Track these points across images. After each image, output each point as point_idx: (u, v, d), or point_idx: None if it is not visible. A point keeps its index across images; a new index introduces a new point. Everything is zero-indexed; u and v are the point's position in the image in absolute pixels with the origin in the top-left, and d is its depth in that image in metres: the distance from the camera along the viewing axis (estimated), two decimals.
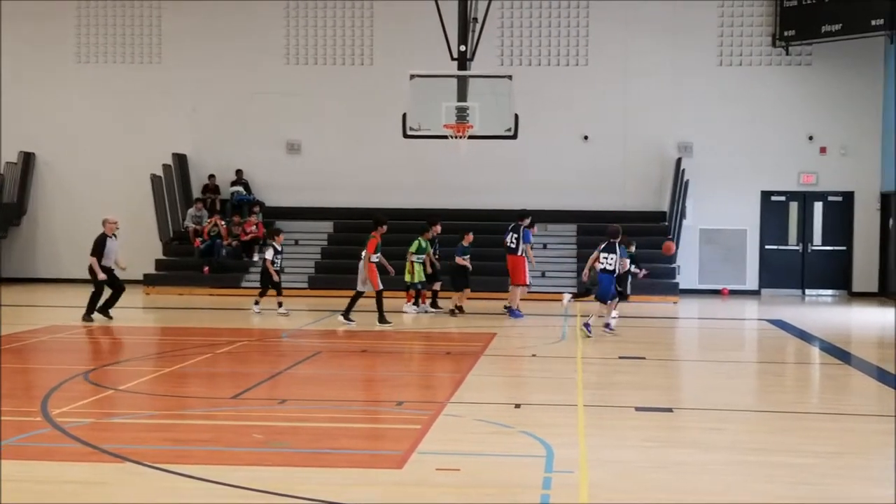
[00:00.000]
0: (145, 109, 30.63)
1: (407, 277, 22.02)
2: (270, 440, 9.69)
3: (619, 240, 18.67)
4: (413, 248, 21.97)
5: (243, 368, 14.77)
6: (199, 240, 28.62)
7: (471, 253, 22.02)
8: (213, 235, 28.45)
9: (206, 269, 27.99)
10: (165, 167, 29.60)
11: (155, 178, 29.12)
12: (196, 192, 30.45)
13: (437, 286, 22.89)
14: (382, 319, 19.81)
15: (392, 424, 10.73)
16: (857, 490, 8.25)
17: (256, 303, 22.19)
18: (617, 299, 19.20)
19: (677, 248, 27.15)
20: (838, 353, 17.03)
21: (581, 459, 8.98)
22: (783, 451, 9.56)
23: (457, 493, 7.98)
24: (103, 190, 30.27)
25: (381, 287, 19.92)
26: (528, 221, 22.23)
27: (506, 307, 21.99)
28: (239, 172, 30.20)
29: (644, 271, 21.32)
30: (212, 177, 30.34)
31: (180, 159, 30.25)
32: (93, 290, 20.46)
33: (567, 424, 10.55)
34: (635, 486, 8.22)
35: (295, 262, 28.35)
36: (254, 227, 28.73)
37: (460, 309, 21.84)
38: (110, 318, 20.45)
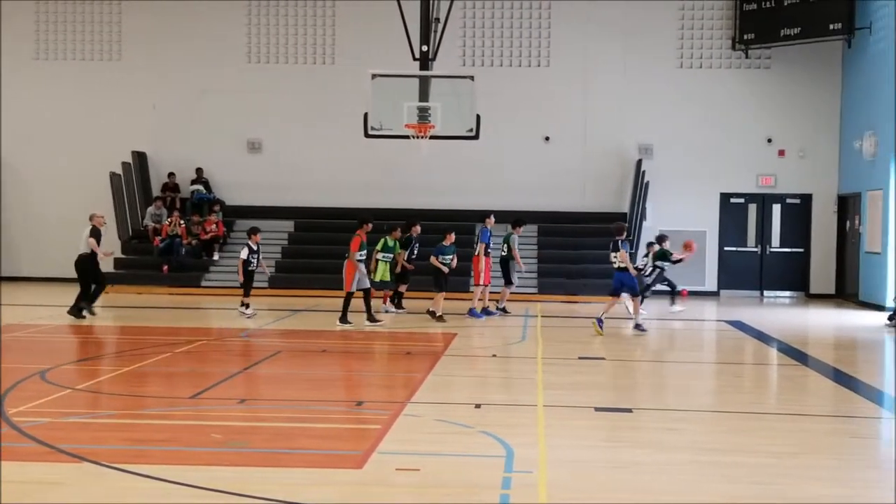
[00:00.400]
0: (105, 107, 30.40)
1: (372, 276, 21.88)
2: (229, 440, 9.65)
3: (623, 237, 19.01)
4: (379, 245, 21.89)
5: (202, 368, 14.70)
6: (158, 238, 28.44)
7: (453, 253, 21.31)
8: (172, 234, 28.27)
9: (166, 268, 27.83)
10: (125, 165, 29.39)
11: (114, 177, 28.91)
12: (156, 191, 30.27)
13: (402, 287, 22.83)
14: (343, 319, 19.70)
15: (352, 424, 10.72)
16: (812, 490, 8.32)
17: (245, 305, 21.41)
18: (640, 297, 19.81)
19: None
20: (795, 354, 17.17)
21: (540, 459, 9.01)
22: (740, 451, 9.63)
23: (416, 493, 7.98)
24: (62, 188, 30.06)
25: (352, 289, 19.65)
26: (491, 221, 22.34)
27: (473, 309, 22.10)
28: (199, 171, 30.05)
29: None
30: (171, 175, 30.17)
31: (140, 157, 30.05)
32: (83, 285, 21.04)
33: (527, 424, 10.58)
34: (594, 486, 8.25)
35: None
36: (214, 226, 28.60)
37: (433, 313, 20.82)
38: (93, 313, 20.97)
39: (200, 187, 29.89)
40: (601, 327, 18.71)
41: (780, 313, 24.27)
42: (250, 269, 21.41)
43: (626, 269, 19.04)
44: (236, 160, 30.37)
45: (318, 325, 20.44)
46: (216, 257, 28.42)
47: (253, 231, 21.90)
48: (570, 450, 9.47)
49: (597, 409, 11.46)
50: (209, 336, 18.43)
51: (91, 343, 17.56)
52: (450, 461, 9.04)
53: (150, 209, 29.37)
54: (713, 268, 29.51)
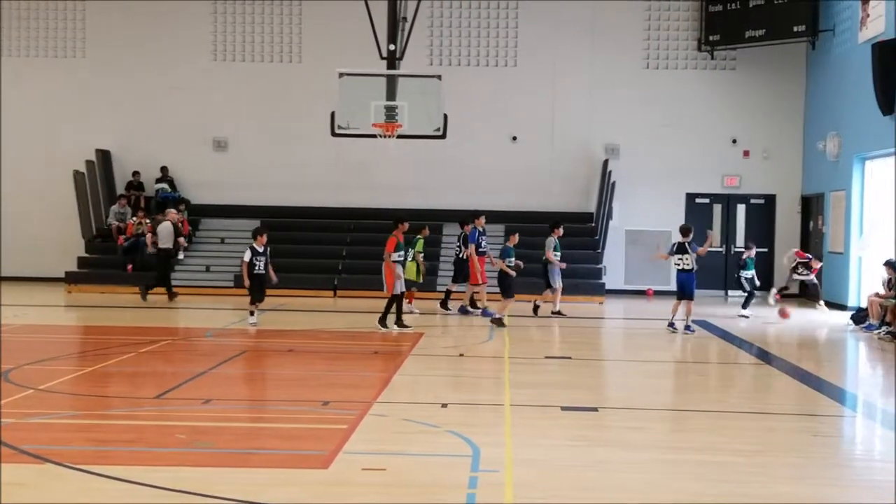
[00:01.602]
0: (69, 105, 30.18)
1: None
2: (194, 440, 9.60)
3: (689, 238, 19.08)
4: (418, 246, 21.92)
5: (167, 368, 14.62)
6: (122, 238, 28.23)
7: (514, 255, 21.06)
8: (137, 233, 28.06)
9: (130, 267, 27.63)
10: (89, 163, 29.17)
11: (78, 175, 28.70)
12: (120, 189, 30.07)
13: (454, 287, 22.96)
14: (383, 322, 18.95)
15: (318, 424, 10.68)
16: (776, 488, 8.37)
17: (251, 313, 19.91)
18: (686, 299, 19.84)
19: (603, 248, 27.42)
20: (760, 353, 17.28)
21: (507, 458, 9.02)
22: (705, 450, 9.68)
23: (383, 493, 7.97)
24: (25, 186, 29.79)
25: (396, 291, 18.81)
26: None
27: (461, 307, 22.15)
28: (164, 169, 29.88)
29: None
30: (136, 173, 29.99)
31: (104, 155, 29.84)
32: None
33: (493, 424, 10.59)
34: (560, 485, 8.27)
35: (221, 260, 28.17)
36: (179, 225, 28.38)
37: (499, 320, 20.12)
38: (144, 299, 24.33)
39: (165, 186, 29.72)
40: (674, 328, 19.52)
41: (745, 313, 24.43)
42: (256, 272, 19.77)
43: (690, 271, 19.16)
44: (202, 158, 30.23)
45: (285, 324, 20.37)
46: (181, 256, 28.23)
47: (258, 232, 20.07)
48: (536, 449, 9.49)
49: (563, 409, 11.48)
50: (174, 336, 18.34)
51: (54, 343, 17.41)
52: (416, 461, 9.03)
53: (115, 208, 29.16)
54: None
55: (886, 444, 10.54)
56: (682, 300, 19.75)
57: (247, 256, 19.59)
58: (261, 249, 19.78)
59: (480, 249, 21.91)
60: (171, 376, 13.59)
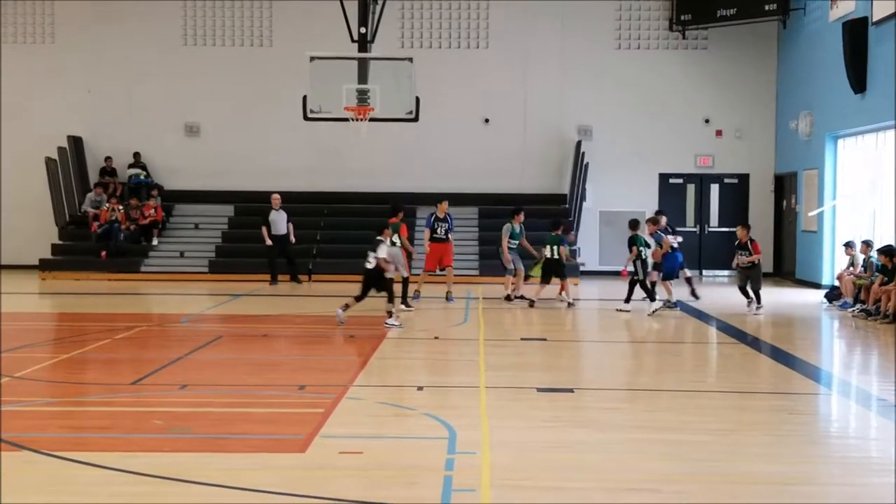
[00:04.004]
0: (39, 91, 29.90)
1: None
2: (171, 426, 9.60)
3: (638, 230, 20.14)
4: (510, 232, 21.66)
5: (143, 354, 14.58)
6: (96, 224, 28.07)
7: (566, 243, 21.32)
8: (111, 220, 27.92)
9: (104, 253, 27.50)
10: (61, 150, 28.96)
11: (50, 162, 28.49)
12: (93, 175, 29.88)
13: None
14: (404, 301, 19.59)
15: (294, 409, 10.70)
16: (749, 466, 8.44)
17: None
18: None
19: (577, 230, 27.49)
20: (734, 332, 17.38)
21: (483, 441, 9.06)
22: (680, 430, 9.75)
23: (360, 476, 8.00)
24: None
25: (407, 274, 19.87)
26: (444, 206, 21.75)
27: None
28: (136, 155, 29.72)
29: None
30: (108, 159, 29.79)
31: (76, 142, 29.64)
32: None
33: (469, 406, 10.63)
34: (537, 466, 8.32)
35: (195, 246, 28.09)
36: (152, 211, 28.32)
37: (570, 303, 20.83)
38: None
39: (139, 171, 29.56)
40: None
41: (719, 292, 24.52)
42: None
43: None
44: (174, 144, 30.07)
45: (259, 309, 20.35)
46: (155, 242, 28.15)
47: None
48: (512, 430, 9.54)
49: (539, 390, 11.54)
50: (149, 322, 18.30)
51: (29, 330, 17.33)
52: (393, 444, 9.07)
53: (91, 195, 28.95)
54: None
55: (860, 421, 10.65)
56: (666, 280, 20.54)
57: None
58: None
59: (436, 235, 21.50)
60: (147, 362, 13.56)
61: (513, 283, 21.60)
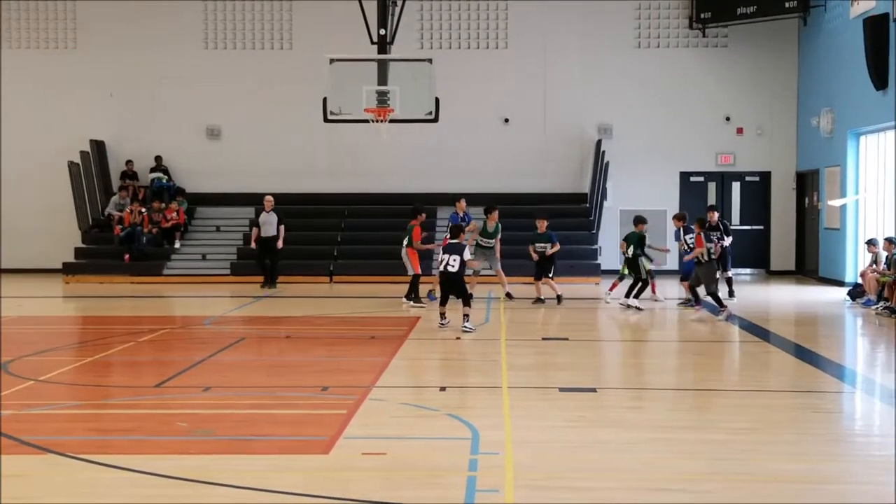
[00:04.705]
0: (61, 96, 30.05)
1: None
2: (195, 428, 9.63)
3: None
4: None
5: (166, 356, 14.65)
6: (119, 227, 28.19)
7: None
8: (133, 223, 28.03)
9: (127, 256, 27.62)
10: (83, 154, 29.10)
11: (72, 166, 28.64)
12: (115, 179, 30.01)
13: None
14: (416, 299, 20.18)
15: (317, 410, 10.72)
16: (773, 465, 8.41)
17: (428, 294, 20.95)
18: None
19: (598, 229, 27.49)
20: (757, 330, 17.32)
21: (506, 441, 9.06)
22: (703, 429, 9.73)
23: (383, 477, 8.01)
24: (20, 178, 29.70)
25: (420, 272, 20.42)
26: (462, 205, 21.84)
27: None
28: (158, 159, 29.81)
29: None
30: (129, 163, 29.92)
31: (98, 146, 29.78)
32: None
33: (492, 406, 10.62)
34: (560, 466, 8.31)
35: (217, 248, 28.18)
36: (174, 214, 28.42)
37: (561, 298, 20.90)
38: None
39: (160, 175, 29.67)
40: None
41: (741, 290, 24.44)
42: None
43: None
44: (196, 147, 30.16)
45: (281, 311, 20.40)
46: (177, 245, 28.26)
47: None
48: (535, 430, 9.53)
49: (561, 390, 11.52)
50: (172, 324, 18.36)
51: (53, 334, 17.43)
52: (416, 444, 9.08)
53: (115, 198, 29.07)
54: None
55: (885, 419, 10.60)
56: (684, 281, 20.38)
57: (467, 254, 17.18)
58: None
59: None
60: (171, 365, 13.62)
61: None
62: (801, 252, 29.07)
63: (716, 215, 21.93)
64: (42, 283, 26.14)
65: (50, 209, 29.27)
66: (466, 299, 16.71)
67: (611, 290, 21.37)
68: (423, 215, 20.99)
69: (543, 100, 29.73)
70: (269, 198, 25.36)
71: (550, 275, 21.05)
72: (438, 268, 17.10)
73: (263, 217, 25.03)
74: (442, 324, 16.78)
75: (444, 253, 16.71)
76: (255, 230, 25.12)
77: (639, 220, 21.02)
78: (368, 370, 13.07)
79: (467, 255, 16.81)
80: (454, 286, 16.73)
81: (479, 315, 19.04)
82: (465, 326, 16.44)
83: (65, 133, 29.46)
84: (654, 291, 21.21)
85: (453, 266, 16.54)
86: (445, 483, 7.83)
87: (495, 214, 21.32)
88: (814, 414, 10.52)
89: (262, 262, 25.06)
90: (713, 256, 19.05)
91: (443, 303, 17.03)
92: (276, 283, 24.92)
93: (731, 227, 23.52)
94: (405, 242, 20.51)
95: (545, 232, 21.22)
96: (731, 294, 21.66)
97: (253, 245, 25.06)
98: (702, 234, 18.69)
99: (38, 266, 28.91)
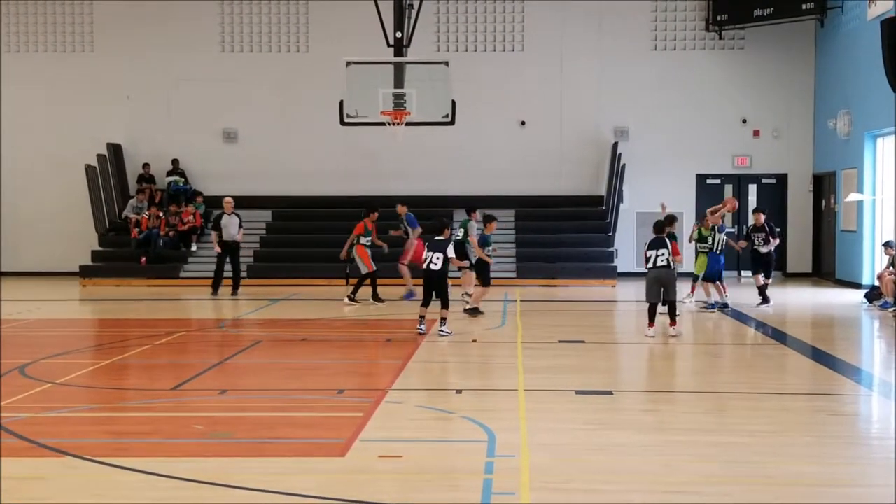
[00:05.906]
0: (78, 99, 30.19)
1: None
2: (211, 431, 9.66)
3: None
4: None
5: (183, 359, 14.69)
6: (136, 230, 28.28)
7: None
8: (150, 227, 28.13)
9: (143, 259, 27.71)
10: (100, 157, 29.21)
11: (90, 169, 28.75)
12: (132, 182, 30.12)
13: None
14: (353, 298, 21.10)
15: (334, 412, 10.73)
16: (790, 468, 8.39)
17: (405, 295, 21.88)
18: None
19: (614, 231, 27.44)
20: (774, 333, 17.28)
21: (522, 443, 9.05)
22: (719, 431, 9.71)
23: (400, 480, 8.02)
24: (37, 181, 29.88)
25: (373, 269, 21.44)
26: (476, 215, 21.55)
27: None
28: (175, 162, 29.91)
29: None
30: (146, 166, 30.02)
31: (115, 149, 29.88)
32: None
33: (508, 409, 10.62)
34: (576, 469, 8.31)
35: None
36: (191, 217, 28.50)
37: (473, 310, 19.45)
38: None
39: (178, 178, 29.76)
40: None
41: (755, 293, 24.38)
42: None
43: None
44: (212, 150, 30.25)
45: (298, 313, 20.43)
46: (194, 248, 28.33)
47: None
48: (551, 433, 9.53)
49: (577, 392, 11.52)
50: (189, 327, 18.41)
51: (70, 337, 17.51)
52: (432, 447, 9.08)
53: (133, 201, 29.20)
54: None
55: None
56: (707, 282, 20.71)
57: (451, 252, 16.56)
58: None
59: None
60: (187, 367, 13.65)
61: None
62: (818, 254, 28.99)
63: (762, 217, 21.77)
64: (59, 286, 26.25)
65: (67, 212, 29.40)
66: (445, 301, 16.37)
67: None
68: (376, 213, 21.89)
69: (560, 102, 29.71)
70: (229, 199, 24.83)
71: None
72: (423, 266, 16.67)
73: (225, 220, 24.19)
74: (420, 329, 16.44)
75: (427, 251, 16.43)
76: (214, 234, 24.29)
77: (671, 219, 20.21)
78: (385, 373, 13.10)
79: (450, 252, 16.37)
80: (435, 285, 16.28)
81: (495, 319, 19.04)
82: (442, 330, 16.31)
83: (82, 136, 29.61)
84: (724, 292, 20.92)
85: (436, 264, 16.17)
86: (461, 486, 7.83)
87: (476, 213, 21.07)
88: (831, 417, 10.49)
89: (221, 266, 24.17)
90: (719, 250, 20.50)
91: (424, 304, 16.56)
92: (238, 288, 24.10)
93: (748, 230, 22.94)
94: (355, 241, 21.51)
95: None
96: (765, 300, 21.20)
97: (217, 249, 24.12)
98: (675, 241, 18.49)
99: (54, 269, 29.04)
